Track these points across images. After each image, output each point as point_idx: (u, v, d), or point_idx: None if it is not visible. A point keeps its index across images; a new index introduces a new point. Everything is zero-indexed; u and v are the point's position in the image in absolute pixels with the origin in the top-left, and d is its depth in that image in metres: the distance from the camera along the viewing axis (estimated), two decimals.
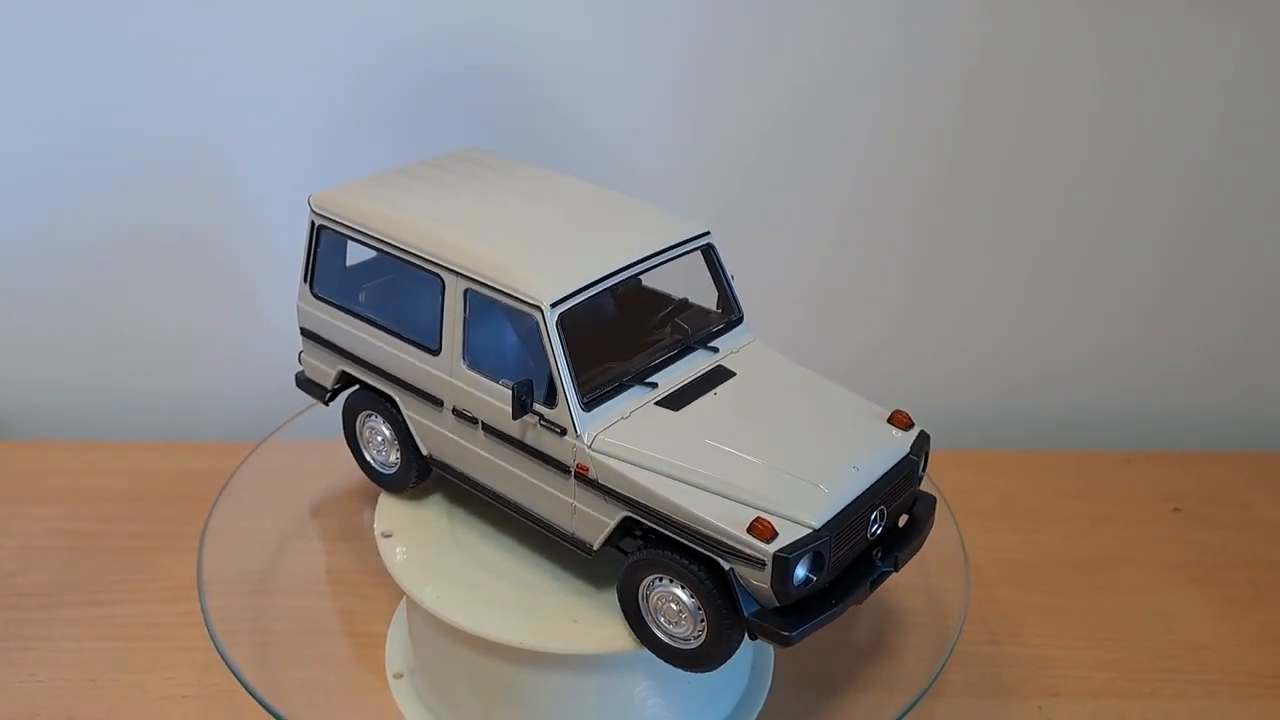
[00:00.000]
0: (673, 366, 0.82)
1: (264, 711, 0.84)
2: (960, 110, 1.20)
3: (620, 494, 0.76)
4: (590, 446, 0.76)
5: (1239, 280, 1.31)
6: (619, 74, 1.18)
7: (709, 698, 0.91)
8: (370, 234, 0.86)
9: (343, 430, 0.95)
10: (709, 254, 0.86)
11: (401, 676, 0.95)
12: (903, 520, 0.82)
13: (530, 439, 0.80)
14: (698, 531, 0.72)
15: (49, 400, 1.34)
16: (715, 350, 0.85)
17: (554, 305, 0.76)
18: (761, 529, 0.70)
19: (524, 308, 0.77)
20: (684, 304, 0.89)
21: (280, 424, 1.11)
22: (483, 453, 0.84)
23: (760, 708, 0.93)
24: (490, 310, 0.81)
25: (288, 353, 1.30)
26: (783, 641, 0.72)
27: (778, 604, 0.72)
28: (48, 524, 1.14)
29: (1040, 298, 1.31)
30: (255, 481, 1.06)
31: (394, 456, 0.92)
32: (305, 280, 0.94)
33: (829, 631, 1.00)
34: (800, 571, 0.71)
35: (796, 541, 0.70)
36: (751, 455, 0.75)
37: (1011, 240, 1.28)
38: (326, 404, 0.96)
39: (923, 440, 0.81)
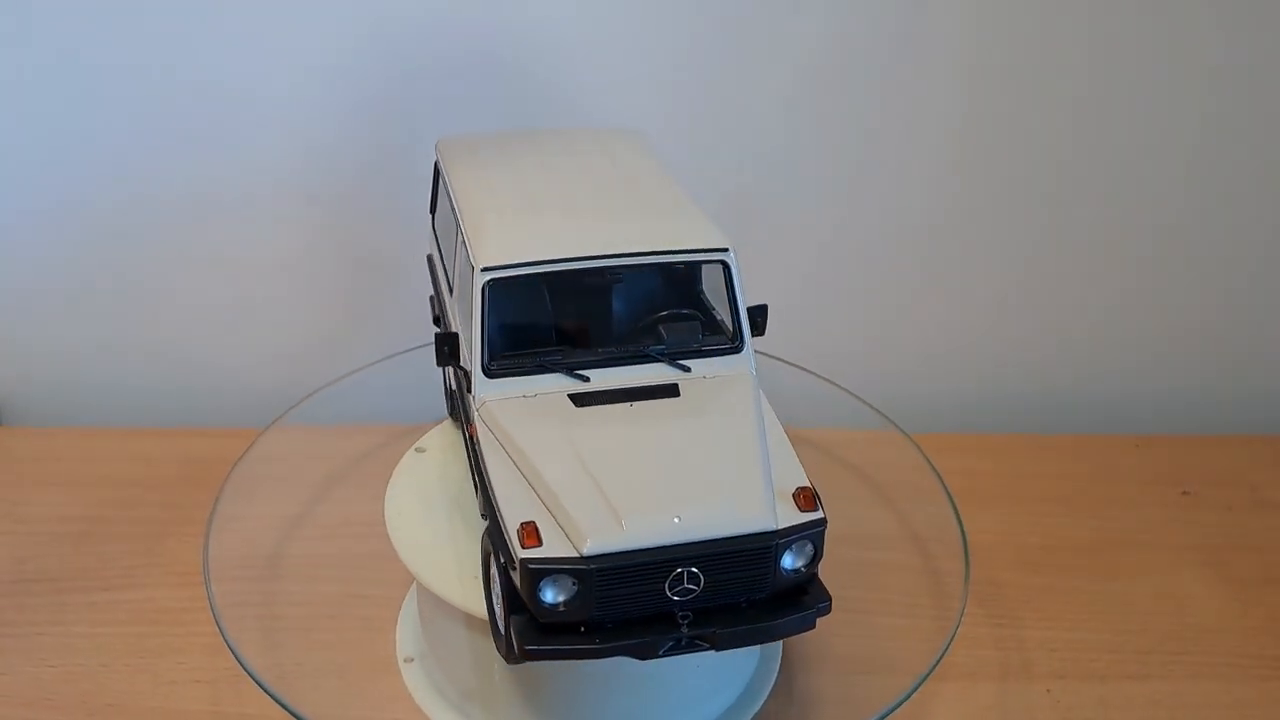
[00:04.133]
0: (625, 368, 0.80)
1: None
2: (965, 94, 1.20)
3: (478, 463, 0.77)
4: (478, 410, 0.78)
5: (1249, 264, 1.30)
6: (616, 59, 1.17)
7: (717, 679, 0.91)
8: (446, 178, 0.93)
9: None
10: (722, 272, 0.82)
11: (412, 660, 0.95)
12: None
13: (461, 390, 0.84)
14: (494, 518, 0.73)
15: (59, 387, 1.34)
16: (686, 369, 0.81)
17: (485, 269, 0.78)
18: (527, 533, 0.69)
19: (471, 266, 0.80)
20: (690, 315, 0.84)
21: (286, 409, 1.11)
22: (458, 393, 0.89)
23: (769, 689, 0.93)
24: None
25: (293, 338, 1.31)
26: (510, 656, 0.70)
27: (538, 618, 0.69)
28: (58, 510, 1.14)
29: (1048, 281, 1.31)
30: (262, 467, 1.06)
31: (452, 383, 0.98)
32: (430, 212, 1.03)
33: (837, 615, 1.00)
34: (549, 591, 0.68)
35: (550, 559, 0.68)
36: (592, 469, 0.72)
37: (1019, 224, 1.27)
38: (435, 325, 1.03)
39: (808, 527, 0.71)
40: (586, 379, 0.79)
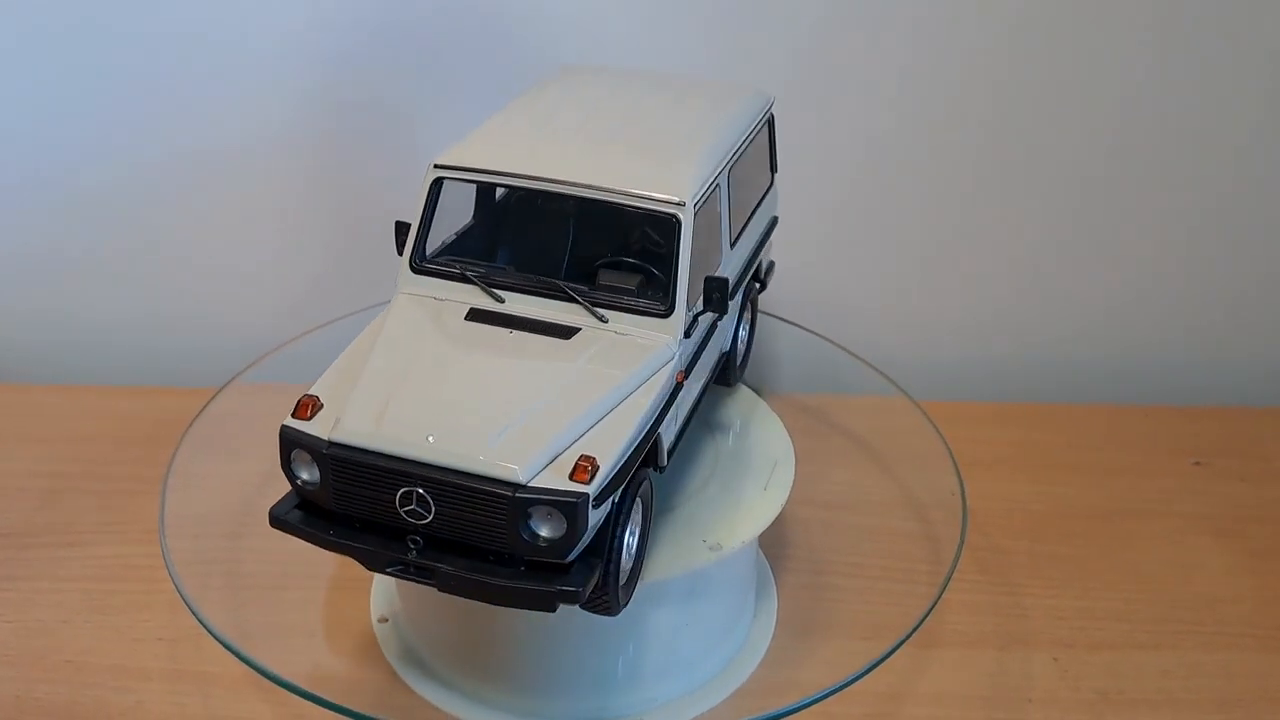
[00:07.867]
0: (544, 300, 0.77)
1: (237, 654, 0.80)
2: (1002, 47, 1.16)
3: None
4: (393, 298, 0.80)
5: (1264, 233, 1.27)
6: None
7: (712, 642, 0.89)
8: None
9: None
10: (672, 228, 0.77)
11: (386, 621, 0.92)
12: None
13: None
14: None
15: (35, 342, 1.31)
16: (603, 319, 0.76)
17: (436, 166, 0.80)
18: (303, 405, 0.72)
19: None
20: (638, 267, 0.81)
21: (248, 364, 1.09)
22: None
23: (763, 653, 0.91)
24: None
25: (271, 295, 1.27)
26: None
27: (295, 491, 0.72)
28: (28, 465, 1.11)
29: (1062, 249, 1.28)
30: (235, 423, 1.03)
31: None
32: None
33: (834, 579, 0.99)
34: (295, 464, 0.71)
35: (299, 431, 0.70)
36: (409, 375, 0.72)
37: (1034, 191, 1.24)
38: None
39: (560, 495, 0.66)
40: (501, 300, 0.78)
